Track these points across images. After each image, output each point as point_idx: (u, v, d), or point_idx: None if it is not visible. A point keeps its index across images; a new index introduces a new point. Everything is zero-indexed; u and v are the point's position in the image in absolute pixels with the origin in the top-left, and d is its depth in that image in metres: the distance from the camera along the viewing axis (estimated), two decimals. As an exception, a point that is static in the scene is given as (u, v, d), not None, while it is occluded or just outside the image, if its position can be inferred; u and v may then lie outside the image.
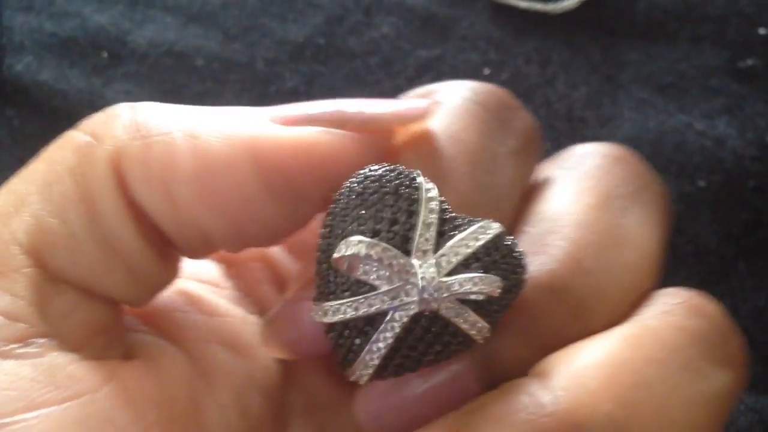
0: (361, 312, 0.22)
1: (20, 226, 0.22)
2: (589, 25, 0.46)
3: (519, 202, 0.27)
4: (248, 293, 0.28)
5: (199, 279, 0.28)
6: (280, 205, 0.24)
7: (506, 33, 0.45)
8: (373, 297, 0.22)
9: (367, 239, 0.22)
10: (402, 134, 0.26)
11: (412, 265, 0.22)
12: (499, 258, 0.23)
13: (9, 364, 0.20)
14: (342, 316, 0.22)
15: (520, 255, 0.23)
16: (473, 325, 0.22)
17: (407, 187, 0.23)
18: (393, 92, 0.43)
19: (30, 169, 0.23)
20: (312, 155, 0.23)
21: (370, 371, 0.23)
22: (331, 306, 0.22)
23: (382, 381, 0.24)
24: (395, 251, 0.22)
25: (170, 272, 0.25)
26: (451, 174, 0.25)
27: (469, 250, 0.23)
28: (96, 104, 0.41)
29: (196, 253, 0.25)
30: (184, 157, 0.23)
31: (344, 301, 0.22)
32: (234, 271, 0.28)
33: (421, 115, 0.25)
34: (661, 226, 0.26)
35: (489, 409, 0.22)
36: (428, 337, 0.22)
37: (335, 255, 0.22)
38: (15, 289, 0.22)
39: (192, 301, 0.27)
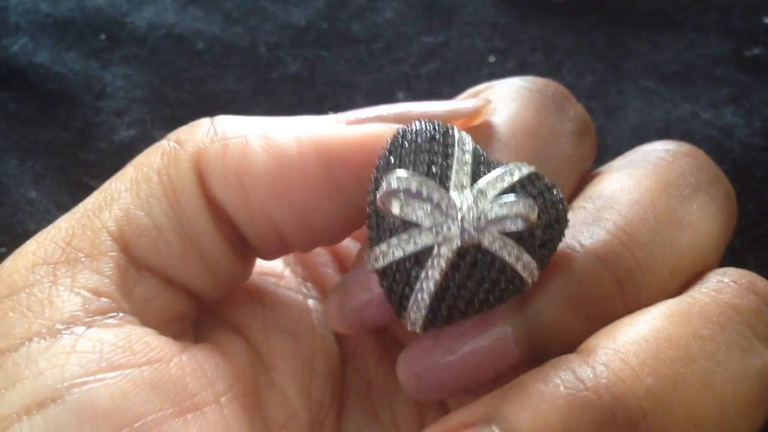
0: (408, 251, 0.23)
1: (110, 217, 0.25)
2: (594, 12, 0.46)
3: (578, 185, 0.28)
4: (312, 278, 0.30)
5: (262, 272, 0.29)
6: (346, 197, 0.25)
7: (511, 19, 0.45)
8: (417, 234, 0.23)
9: (405, 173, 0.23)
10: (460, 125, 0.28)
11: (450, 198, 0.23)
12: (535, 193, 0.23)
13: (92, 332, 0.23)
14: (391, 258, 0.23)
15: (558, 193, 0.24)
16: (519, 258, 0.23)
17: (443, 135, 0.24)
18: (397, 79, 0.42)
19: (122, 171, 0.26)
20: (374, 148, 0.25)
21: (423, 313, 0.23)
22: (380, 249, 0.23)
23: (431, 337, 0.24)
24: (433, 183, 0.23)
25: (244, 270, 0.27)
26: (514, 141, 0.26)
27: (505, 184, 0.23)
28: (94, 88, 0.40)
29: (268, 251, 0.27)
30: (257, 155, 0.25)
31: (392, 241, 0.23)
32: (299, 257, 0.30)
33: (474, 110, 0.27)
34: (723, 219, 0.27)
35: (530, 385, 0.22)
36: (476, 273, 0.23)
37: (379, 194, 0.23)
38: (102, 269, 0.24)
39: (253, 293, 0.28)
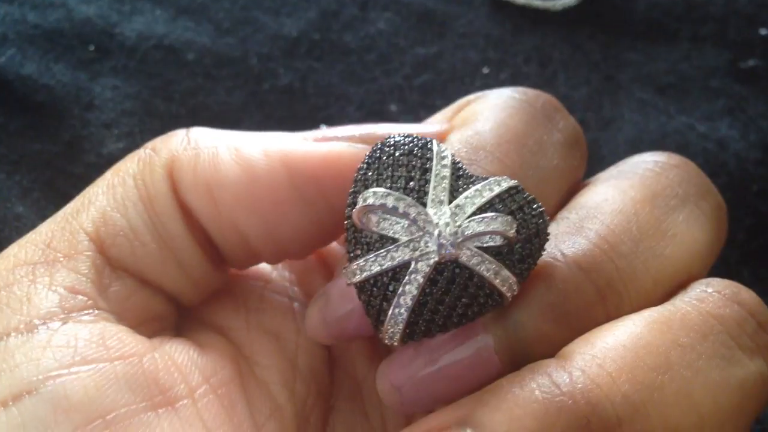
0: (385, 266, 0.23)
1: (87, 218, 0.26)
2: (589, 23, 0.45)
3: (566, 196, 0.28)
4: (299, 282, 0.30)
5: (248, 276, 0.30)
6: (311, 211, 0.26)
7: (505, 30, 0.45)
8: (394, 249, 0.23)
9: (381, 189, 0.23)
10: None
11: (427, 214, 0.23)
12: (515, 207, 0.23)
13: (67, 327, 0.23)
14: (368, 272, 0.23)
15: (538, 206, 0.24)
16: (497, 273, 0.23)
17: (421, 148, 0.24)
18: (390, 90, 0.42)
19: (101, 177, 0.27)
20: (338, 165, 0.26)
21: (400, 327, 0.23)
22: (357, 265, 0.23)
23: (412, 347, 0.24)
24: (409, 199, 0.23)
25: (219, 276, 0.28)
26: (500, 150, 0.26)
27: (484, 199, 0.23)
28: (82, 100, 0.39)
29: (238, 260, 0.28)
30: (227, 165, 0.26)
31: (369, 256, 0.23)
32: (287, 262, 0.31)
33: (438, 135, 0.27)
34: (711, 230, 0.27)
35: (506, 388, 0.22)
36: (454, 289, 0.23)
37: (354, 210, 0.23)
38: (79, 268, 0.25)
39: (237, 296, 0.29)
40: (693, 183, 0.27)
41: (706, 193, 0.28)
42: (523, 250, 0.23)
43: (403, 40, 0.44)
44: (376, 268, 0.23)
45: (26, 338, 0.23)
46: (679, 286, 0.25)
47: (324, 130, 0.28)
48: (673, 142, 0.41)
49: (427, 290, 0.23)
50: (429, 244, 0.23)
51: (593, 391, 0.21)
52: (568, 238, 0.25)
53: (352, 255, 0.24)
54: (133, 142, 0.39)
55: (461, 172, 0.24)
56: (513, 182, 0.24)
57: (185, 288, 0.27)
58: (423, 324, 0.23)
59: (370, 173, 0.24)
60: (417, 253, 0.23)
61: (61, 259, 0.25)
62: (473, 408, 0.22)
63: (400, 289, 0.23)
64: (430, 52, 0.44)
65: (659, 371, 0.22)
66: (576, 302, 0.24)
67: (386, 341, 0.24)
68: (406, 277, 0.23)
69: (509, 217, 0.23)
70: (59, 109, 0.39)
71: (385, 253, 0.23)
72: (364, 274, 0.23)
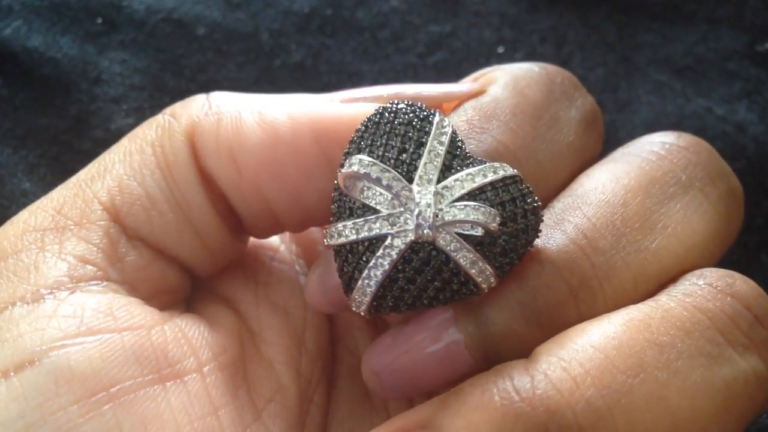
0: (362, 235, 0.23)
1: (102, 187, 0.25)
2: (605, 3, 0.44)
3: (577, 174, 0.26)
4: (304, 255, 0.30)
5: (258, 245, 0.29)
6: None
7: (520, 9, 0.44)
8: (374, 221, 0.22)
9: (367, 158, 0.22)
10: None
11: (411, 191, 0.22)
12: (507, 199, 0.23)
13: (75, 297, 0.23)
14: (344, 238, 0.23)
15: (533, 201, 0.23)
16: (474, 263, 0.22)
17: (421, 120, 0.23)
18: (403, 68, 0.41)
19: (117, 144, 0.26)
20: None
21: (368, 299, 0.23)
22: (336, 228, 0.23)
23: (391, 335, 0.24)
24: (394, 173, 0.22)
25: (237, 246, 0.27)
26: (514, 121, 0.25)
27: (474, 185, 0.22)
28: (90, 74, 0.38)
29: (260, 229, 0.27)
30: (251, 129, 0.25)
31: (347, 222, 0.23)
32: (293, 235, 0.30)
33: (468, 95, 0.26)
34: (718, 218, 0.25)
35: (468, 391, 0.21)
36: (427, 271, 0.22)
37: (339, 174, 0.23)
38: (90, 237, 0.24)
39: (247, 268, 0.28)
40: (702, 167, 0.26)
41: (717, 177, 0.26)
42: (506, 243, 0.22)
43: (417, 18, 0.43)
44: (353, 236, 0.23)
45: (32, 307, 0.22)
46: (671, 280, 0.24)
47: (350, 91, 0.27)
48: (691, 125, 0.40)
49: (400, 267, 0.22)
50: (408, 222, 0.22)
51: (553, 397, 0.20)
52: (547, 230, 0.24)
53: (334, 216, 0.23)
54: (143, 118, 0.38)
55: (458, 152, 0.23)
56: (512, 171, 0.23)
57: (201, 258, 0.26)
58: (391, 299, 0.23)
59: (365, 137, 0.23)
60: (395, 228, 0.22)
61: (72, 227, 0.24)
62: (436, 411, 0.22)
63: (373, 261, 0.22)
64: (445, 31, 0.43)
65: (629, 374, 0.21)
66: (546, 301, 0.23)
67: (354, 309, 0.24)
68: (380, 251, 0.22)
69: (493, 210, 0.22)
70: (66, 83, 0.38)
71: (363, 223, 0.23)
72: (341, 239, 0.23)
